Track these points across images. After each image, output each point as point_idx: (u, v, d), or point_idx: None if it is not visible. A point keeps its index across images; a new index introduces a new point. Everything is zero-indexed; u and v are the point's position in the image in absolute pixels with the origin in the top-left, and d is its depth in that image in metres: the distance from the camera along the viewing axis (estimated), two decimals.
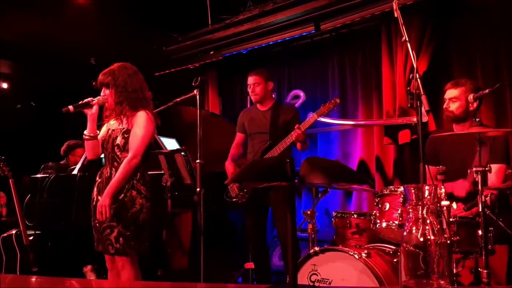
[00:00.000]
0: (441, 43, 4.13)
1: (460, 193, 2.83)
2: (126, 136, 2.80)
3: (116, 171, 2.76)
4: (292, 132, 3.47)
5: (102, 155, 2.99)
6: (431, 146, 3.15)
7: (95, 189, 2.87)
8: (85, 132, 2.86)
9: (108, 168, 2.85)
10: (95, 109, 2.82)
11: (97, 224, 2.78)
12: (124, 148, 2.79)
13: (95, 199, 2.84)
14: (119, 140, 2.80)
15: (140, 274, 2.81)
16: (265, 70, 3.81)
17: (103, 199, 2.67)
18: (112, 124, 2.93)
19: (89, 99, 2.82)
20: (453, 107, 2.99)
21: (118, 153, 2.81)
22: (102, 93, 2.87)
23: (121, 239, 2.69)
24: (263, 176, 1.21)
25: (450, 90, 3.03)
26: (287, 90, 5.34)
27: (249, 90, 3.77)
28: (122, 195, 2.73)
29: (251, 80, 3.75)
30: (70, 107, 2.74)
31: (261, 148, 3.64)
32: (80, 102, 2.80)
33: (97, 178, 2.89)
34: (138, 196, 2.75)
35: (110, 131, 2.88)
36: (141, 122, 2.78)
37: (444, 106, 3.04)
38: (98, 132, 2.91)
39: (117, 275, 2.79)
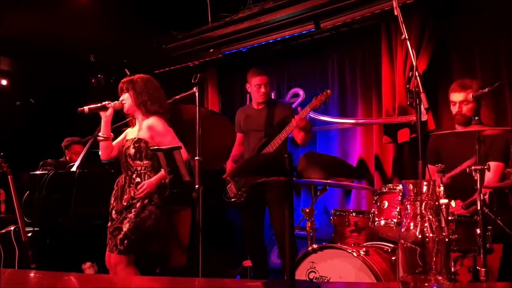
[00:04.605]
0: (441, 42, 4.12)
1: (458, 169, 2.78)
2: (136, 145, 2.89)
3: (129, 179, 2.87)
4: (291, 122, 3.45)
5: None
6: (433, 144, 3.13)
7: (112, 197, 2.94)
8: (99, 134, 2.94)
9: (123, 176, 2.94)
10: (110, 112, 2.91)
11: (110, 226, 2.87)
12: (136, 157, 2.89)
13: (112, 204, 2.93)
14: (131, 150, 2.89)
15: (138, 272, 2.87)
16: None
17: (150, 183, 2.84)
18: (127, 133, 3.04)
19: (105, 102, 2.90)
20: (466, 109, 2.93)
21: (131, 162, 2.91)
22: (120, 98, 2.97)
23: (126, 241, 2.77)
24: (261, 171, 1.20)
25: (459, 94, 2.95)
26: (287, 89, 5.33)
27: (259, 89, 3.69)
28: (135, 201, 2.82)
29: (263, 80, 3.69)
30: (86, 108, 2.83)
31: (257, 146, 3.64)
32: (97, 105, 2.87)
33: (114, 186, 2.97)
34: (149, 203, 2.84)
35: (124, 141, 2.98)
36: (161, 128, 2.90)
37: (455, 110, 2.98)
38: (112, 135, 2.99)
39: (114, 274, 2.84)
